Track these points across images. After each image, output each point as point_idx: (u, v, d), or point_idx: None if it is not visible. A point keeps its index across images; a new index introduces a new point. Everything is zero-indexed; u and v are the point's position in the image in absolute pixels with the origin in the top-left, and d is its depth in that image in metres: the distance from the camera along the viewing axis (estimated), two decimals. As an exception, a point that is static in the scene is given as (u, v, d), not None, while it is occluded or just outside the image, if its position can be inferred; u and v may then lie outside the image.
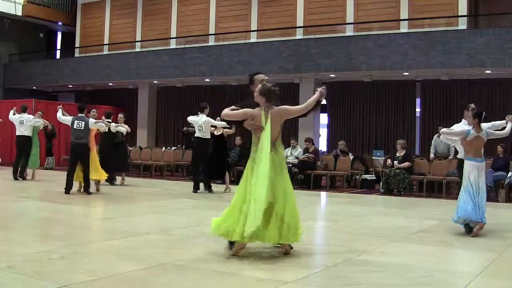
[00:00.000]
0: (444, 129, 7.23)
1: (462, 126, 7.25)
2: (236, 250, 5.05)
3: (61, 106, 11.14)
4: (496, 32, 13.36)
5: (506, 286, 4.40)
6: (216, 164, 11.33)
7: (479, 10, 16.04)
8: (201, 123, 11.12)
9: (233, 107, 5.42)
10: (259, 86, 5.24)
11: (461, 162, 7.12)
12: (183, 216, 8.00)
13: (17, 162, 12.81)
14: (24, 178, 12.79)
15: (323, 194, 12.30)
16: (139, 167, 16.43)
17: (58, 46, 24.89)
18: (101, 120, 11.03)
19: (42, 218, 7.55)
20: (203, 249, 5.43)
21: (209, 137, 11.19)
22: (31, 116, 13.02)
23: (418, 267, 4.82)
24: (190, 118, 11.47)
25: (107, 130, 11.77)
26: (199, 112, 11.31)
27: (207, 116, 11.18)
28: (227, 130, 11.27)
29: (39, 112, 13.64)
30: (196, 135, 11.39)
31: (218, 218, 5.14)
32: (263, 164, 5.02)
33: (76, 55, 21.91)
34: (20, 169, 12.72)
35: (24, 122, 12.80)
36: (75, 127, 10.23)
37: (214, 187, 11.42)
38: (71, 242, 5.64)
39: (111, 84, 20.21)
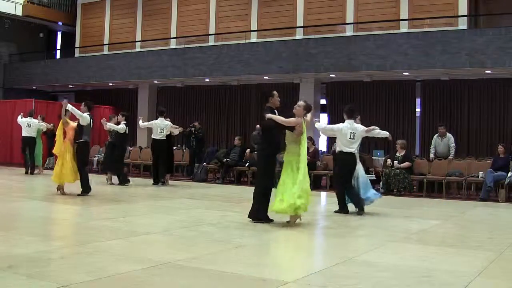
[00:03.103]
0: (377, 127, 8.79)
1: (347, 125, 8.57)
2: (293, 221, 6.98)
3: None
4: (496, 32, 13.35)
5: (506, 286, 4.39)
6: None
7: (479, 10, 16.04)
8: (163, 127, 12.51)
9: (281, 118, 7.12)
10: (302, 102, 7.20)
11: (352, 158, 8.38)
12: (183, 216, 8.00)
13: (25, 159, 14.65)
14: (32, 173, 14.47)
15: (323, 194, 12.29)
16: (139, 167, 16.43)
17: (58, 46, 24.88)
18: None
19: (42, 218, 7.54)
20: (203, 249, 5.44)
21: (166, 138, 12.66)
22: (36, 121, 14.89)
23: (418, 267, 4.82)
24: (152, 122, 12.85)
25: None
26: (158, 116, 12.83)
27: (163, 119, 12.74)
28: (174, 131, 12.92)
29: (40, 116, 15.61)
30: (153, 136, 12.70)
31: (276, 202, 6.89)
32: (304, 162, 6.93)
33: (76, 55, 21.90)
34: (29, 167, 14.50)
35: (32, 125, 14.69)
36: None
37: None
38: (71, 242, 5.65)
39: (111, 84, 20.20)
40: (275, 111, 7.21)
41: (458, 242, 6.41)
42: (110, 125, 12.31)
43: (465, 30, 14.34)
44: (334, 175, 8.79)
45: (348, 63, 15.08)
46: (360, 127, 8.61)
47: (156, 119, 12.94)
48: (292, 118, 7.04)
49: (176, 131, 13.13)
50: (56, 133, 10.20)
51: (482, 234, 7.03)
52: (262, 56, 16.35)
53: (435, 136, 12.99)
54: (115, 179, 12.44)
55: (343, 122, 8.56)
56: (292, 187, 6.84)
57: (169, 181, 13.04)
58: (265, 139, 7.37)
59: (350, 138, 8.35)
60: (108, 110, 20.84)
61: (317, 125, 8.78)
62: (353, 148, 8.38)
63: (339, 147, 8.58)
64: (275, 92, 7.39)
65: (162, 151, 12.65)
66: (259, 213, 7.15)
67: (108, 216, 7.55)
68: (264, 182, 7.15)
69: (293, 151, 7.03)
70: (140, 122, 13.27)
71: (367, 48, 14.82)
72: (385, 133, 8.92)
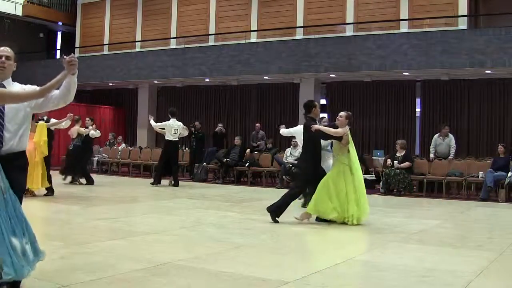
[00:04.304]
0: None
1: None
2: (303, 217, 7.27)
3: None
4: (496, 32, 13.35)
5: (506, 286, 4.40)
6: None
7: (479, 10, 16.04)
8: (177, 127, 12.62)
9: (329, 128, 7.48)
10: (344, 113, 7.48)
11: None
12: (183, 216, 8.00)
13: None
14: None
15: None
16: (139, 167, 16.43)
17: (58, 46, 24.87)
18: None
19: (41, 218, 7.54)
20: (203, 249, 5.44)
21: (178, 139, 12.89)
22: None
23: (418, 267, 4.82)
24: (165, 123, 12.76)
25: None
26: (170, 117, 12.78)
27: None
28: (184, 132, 13.04)
29: None
30: (167, 138, 12.66)
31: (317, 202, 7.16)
32: (359, 169, 7.35)
33: (76, 55, 21.70)
34: None
35: None
36: None
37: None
38: (71, 242, 5.64)
39: (111, 84, 20.20)
40: (317, 122, 7.59)
41: (458, 242, 6.41)
42: (91, 131, 12.43)
43: (465, 30, 14.34)
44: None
45: (348, 63, 15.07)
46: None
47: (168, 120, 12.87)
48: (340, 129, 7.34)
49: (186, 132, 13.26)
50: (42, 138, 9.50)
51: (482, 234, 7.03)
52: (262, 56, 16.34)
53: (435, 136, 12.97)
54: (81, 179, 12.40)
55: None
56: (354, 194, 7.23)
57: (167, 180, 13.03)
58: (308, 151, 7.53)
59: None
60: (108, 110, 20.88)
61: (281, 131, 9.56)
62: None
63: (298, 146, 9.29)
64: (317, 103, 7.83)
65: (175, 152, 12.88)
66: (278, 209, 7.23)
67: (108, 216, 7.55)
68: (303, 188, 7.28)
69: (342, 161, 7.31)
70: (152, 122, 13.10)
71: (367, 48, 14.81)
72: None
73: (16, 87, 3.78)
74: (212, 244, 5.73)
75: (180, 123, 12.85)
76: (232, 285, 4.13)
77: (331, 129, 7.36)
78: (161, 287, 4.03)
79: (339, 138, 7.33)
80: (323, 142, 7.90)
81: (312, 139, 7.45)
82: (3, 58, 3.73)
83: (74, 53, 3.79)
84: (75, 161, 12.31)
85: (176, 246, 5.65)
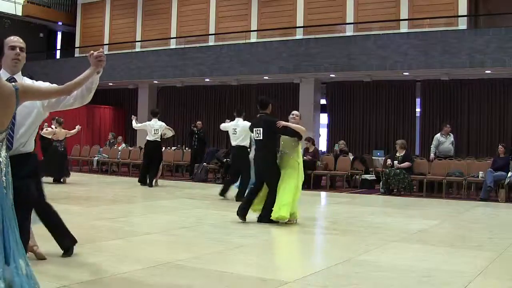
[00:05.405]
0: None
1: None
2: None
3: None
4: (496, 32, 13.35)
5: (506, 286, 4.39)
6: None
7: (479, 10, 16.04)
8: (157, 127, 12.30)
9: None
10: (298, 112, 7.54)
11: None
12: (183, 216, 8.00)
13: None
14: None
15: (323, 194, 12.29)
16: (139, 167, 16.40)
17: (58, 46, 24.86)
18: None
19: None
20: (203, 249, 5.44)
21: (160, 140, 12.47)
22: None
23: (418, 267, 4.82)
24: (146, 124, 12.57)
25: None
26: (152, 117, 12.55)
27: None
28: (168, 132, 12.73)
29: None
30: (147, 138, 12.39)
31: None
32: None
33: (76, 55, 21.87)
34: None
35: None
36: None
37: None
38: (71, 242, 5.63)
39: (111, 84, 20.18)
40: None
41: (458, 242, 6.41)
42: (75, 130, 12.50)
43: (465, 30, 14.34)
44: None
45: (348, 63, 15.07)
46: (245, 124, 9.62)
47: (150, 120, 12.64)
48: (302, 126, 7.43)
49: (170, 133, 12.81)
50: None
51: (482, 234, 7.03)
52: (262, 56, 16.34)
53: (438, 135, 12.96)
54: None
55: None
56: (292, 193, 7.10)
57: (167, 181, 12.98)
58: (269, 148, 7.48)
59: (233, 134, 10.09)
60: (108, 110, 20.86)
61: (221, 125, 10.82)
62: (237, 141, 9.96)
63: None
64: (271, 101, 7.91)
65: (156, 152, 12.37)
66: (268, 214, 7.18)
67: (108, 216, 7.55)
68: (275, 188, 7.19)
69: (295, 158, 7.28)
70: (134, 123, 12.95)
71: (367, 48, 14.81)
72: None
73: (27, 82, 3.39)
74: (212, 244, 5.73)
75: (162, 123, 12.42)
76: (232, 285, 4.13)
77: (300, 126, 7.33)
78: (161, 287, 4.03)
79: (300, 136, 7.35)
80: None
81: (274, 136, 7.45)
82: (18, 50, 3.34)
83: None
84: (66, 162, 12.64)
85: (176, 246, 5.65)
